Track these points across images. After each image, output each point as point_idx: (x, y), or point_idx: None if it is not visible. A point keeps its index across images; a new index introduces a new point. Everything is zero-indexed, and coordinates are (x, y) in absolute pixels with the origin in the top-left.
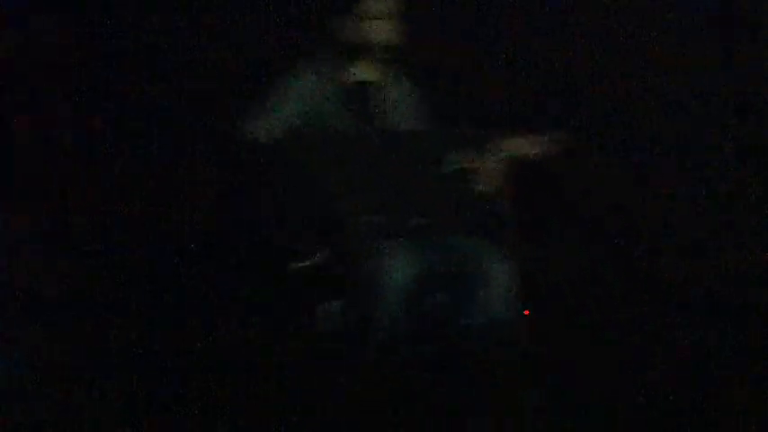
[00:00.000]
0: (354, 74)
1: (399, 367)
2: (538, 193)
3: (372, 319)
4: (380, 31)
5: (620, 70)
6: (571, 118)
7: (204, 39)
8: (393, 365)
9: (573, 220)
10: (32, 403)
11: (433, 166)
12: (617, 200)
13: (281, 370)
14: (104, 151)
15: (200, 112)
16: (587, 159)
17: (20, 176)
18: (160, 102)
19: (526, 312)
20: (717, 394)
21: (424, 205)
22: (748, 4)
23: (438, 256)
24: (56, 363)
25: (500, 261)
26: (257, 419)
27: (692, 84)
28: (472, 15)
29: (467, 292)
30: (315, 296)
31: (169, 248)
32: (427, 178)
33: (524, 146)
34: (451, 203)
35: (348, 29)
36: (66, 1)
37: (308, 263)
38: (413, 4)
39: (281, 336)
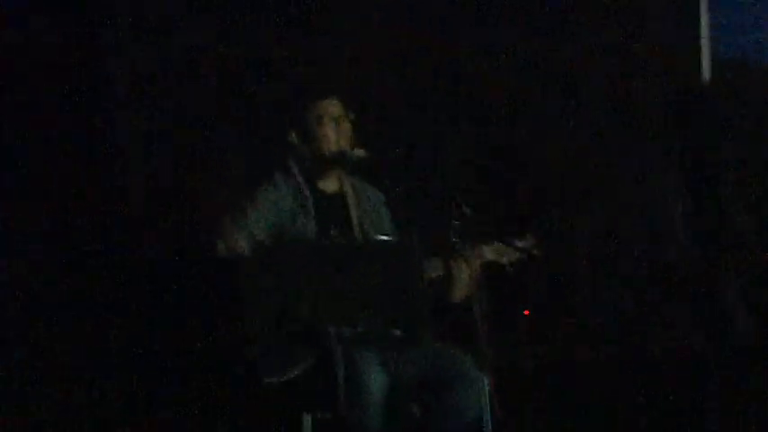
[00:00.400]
0: (324, 185)
1: None
2: (507, 299)
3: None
4: (339, 138)
5: None
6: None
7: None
8: None
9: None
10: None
11: (406, 276)
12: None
13: None
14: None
15: (177, 225)
16: (555, 264)
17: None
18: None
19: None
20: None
21: (400, 314)
22: None
23: (414, 365)
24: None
25: (473, 368)
26: None
27: None
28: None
29: (442, 399)
30: (299, 408)
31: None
32: (402, 288)
33: (496, 253)
34: (426, 312)
35: (310, 139)
36: None
37: (293, 374)
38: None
39: None
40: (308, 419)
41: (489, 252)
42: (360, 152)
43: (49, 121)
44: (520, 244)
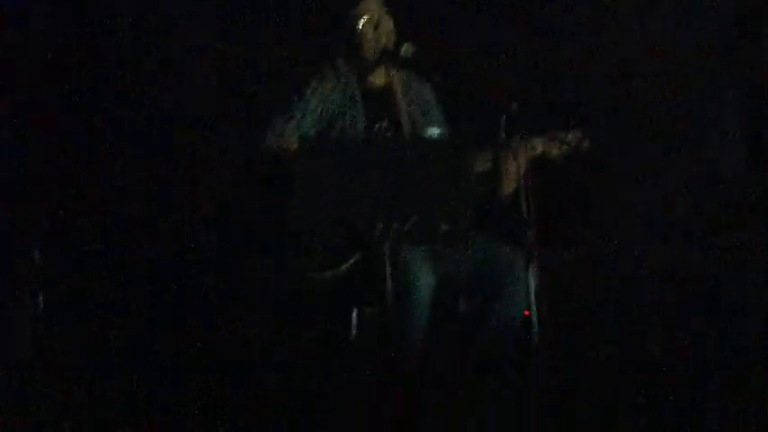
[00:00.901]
0: (372, 79)
1: (427, 370)
2: (557, 194)
3: (403, 325)
4: (382, 35)
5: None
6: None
7: (228, 45)
8: (423, 370)
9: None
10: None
11: (455, 171)
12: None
13: (314, 375)
14: (127, 153)
15: (225, 118)
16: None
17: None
18: (186, 109)
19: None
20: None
21: (448, 210)
22: None
23: (460, 262)
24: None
25: (519, 265)
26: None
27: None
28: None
29: (488, 296)
30: (347, 303)
31: (193, 255)
32: (450, 183)
33: (545, 146)
34: (474, 207)
35: (354, 37)
36: None
37: (336, 272)
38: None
39: (314, 342)
40: (355, 314)
41: (539, 145)
42: (406, 48)
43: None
44: (569, 137)
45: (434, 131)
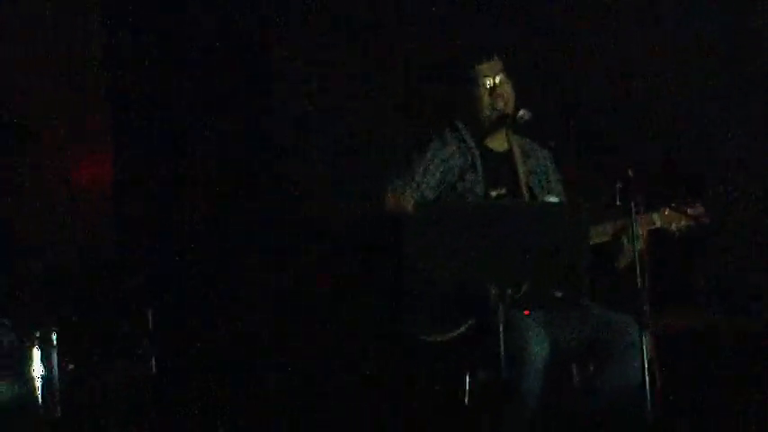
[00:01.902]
0: (492, 143)
1: None
2: (673, 265)
3: (516, 391)
4: (501, 99)
5: None
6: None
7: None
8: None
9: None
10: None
11: (573, 238)
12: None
13: None
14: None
15: (345, 178)
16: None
17: None
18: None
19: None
20: None
21: (563, 276)
22: None
23: (574, 328)
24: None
25: (634, 332)
26: None
27: None
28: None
29: (602, 363)
30: (460, 367)
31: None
32: (566, 250)
33: (664, 220)
34: (589, 275)
35: (474, 100)
36: None
37: (454, 333)
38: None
39: (429, 405)
40: (468, 380)
41: (658, 218)
42: (522, 113)
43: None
44: (690, 211)
45: (552, 199)
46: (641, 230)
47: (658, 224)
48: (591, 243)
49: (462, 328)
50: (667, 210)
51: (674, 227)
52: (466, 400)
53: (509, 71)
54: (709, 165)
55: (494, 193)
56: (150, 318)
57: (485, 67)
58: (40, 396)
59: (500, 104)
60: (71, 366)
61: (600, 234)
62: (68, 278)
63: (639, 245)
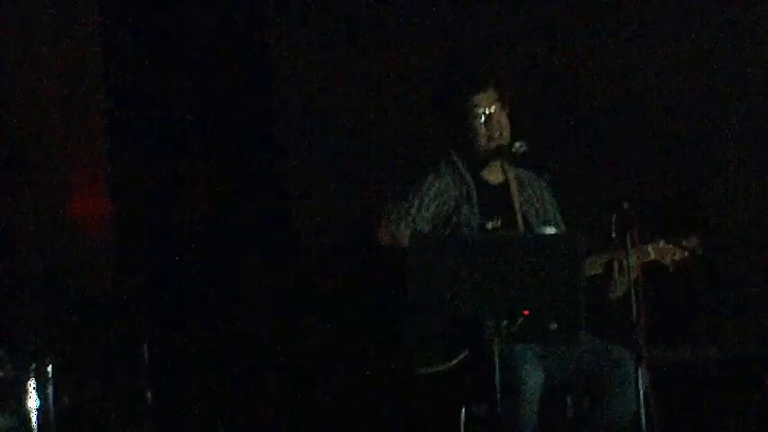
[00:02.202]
0: (487, 175)
1: None
2: (667, 296)
3: (511, 423)
4: (497, 130)
5: None
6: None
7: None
8: None
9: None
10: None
11: (569, 270)
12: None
13: None
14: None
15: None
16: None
17: None
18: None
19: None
20: None
21: (559, 309)
22: None
23: (570, 361)
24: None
25: (629, 366)
26: None
27: None
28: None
29: (597, 396)
30: (455, 400)
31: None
32: (561, 283)
33: (658, 253)
34: (585, 307)
35: (469, 131)
36: None
37: (446, 367)
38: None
39: None
40: (463, 412)
41: (652, 251)
42: (518, 145)
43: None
44: (684, 244)
45: (549, 230)
46: (635, 262)
47: (653, 256)
48: (587, 274)
49: (457, 360)
50: (662, 242)
51: (668, 260)
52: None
53: (504, 102)
54: (707, 193)
55: (489, 225)
56: (146, 352)
57: (479, 97)
58: (35, 429)
59: (495, 135)
60: (66, 400)
61: (593, 266)
62: (66, 312)
63: (633, 277)
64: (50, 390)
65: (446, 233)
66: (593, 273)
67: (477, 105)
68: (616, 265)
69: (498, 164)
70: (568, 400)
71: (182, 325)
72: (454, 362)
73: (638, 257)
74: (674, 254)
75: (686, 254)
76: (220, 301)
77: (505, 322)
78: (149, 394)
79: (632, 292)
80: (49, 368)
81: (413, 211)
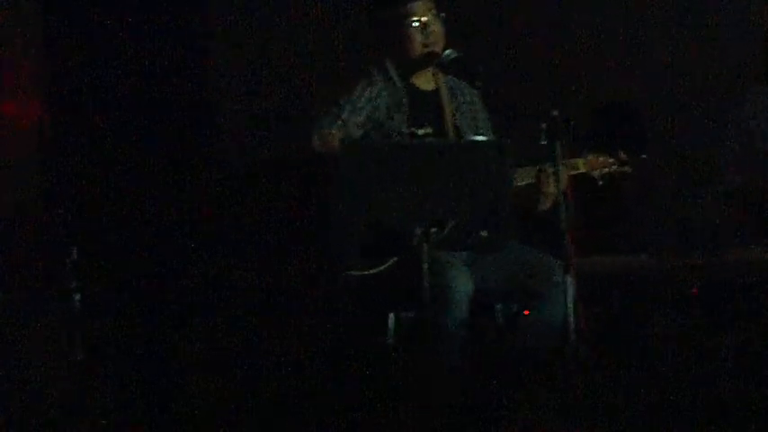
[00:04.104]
0: (419, 83)
1: (461, 378)
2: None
3: (439, 331)
4: (429, 38)
5: None
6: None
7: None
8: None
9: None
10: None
11: (497, 177)
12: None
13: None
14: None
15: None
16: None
17: None
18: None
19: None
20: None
21: (488, 216)
22: None
23: (499, 268)
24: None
25: (558, 273)
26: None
27: None
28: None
29: (526, 304)
30: (384, 306)
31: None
32: (490, 190)
33: (587, 167)
34: (513, 214)
35: (402, 39)
36: None
37: (374, 271)
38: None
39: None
40: (392, 318)
41: (582, 164)
42: (451, 52)
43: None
44: (612, 160)
45: (478, 139)
46: (565, 174)
47: (582, 170)
48: (517, 184)
49: (385, 266)
50: (590, 155)
51: (596, 174)
52: (389, 339)
53: (439, 10)
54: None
55: (420, 132)
56: (75, 254)
57: (415, 5)
58: None
59: (430, 41)
60: None
61: (525, 175)
62: None
63: (563, 186)
64: None
65: (376, 140)
66: (523, 183)
67: (412, 13)
68: (544, 175)
69: (430, 72)
70: (497, 308)
71: (109, 230)
72: (383, 267)
73: (568, 169)
74: (604, 167)
75: (615, 167)
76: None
77: (434, 229)
78: (77, 298)
79: (561, 201)
80: None
81: (344, 115)
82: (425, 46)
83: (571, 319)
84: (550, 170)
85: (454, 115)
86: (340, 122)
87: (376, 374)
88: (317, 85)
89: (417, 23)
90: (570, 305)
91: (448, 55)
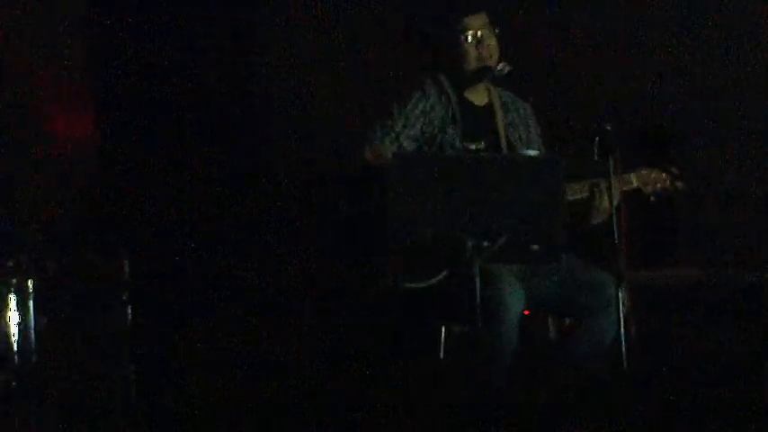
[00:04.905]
0: (473, 97)
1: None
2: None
3: (491, 345)
4: (484, 53)
5: None
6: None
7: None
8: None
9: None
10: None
11: (550, 191)
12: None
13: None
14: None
15: (326, 127)
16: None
17: None
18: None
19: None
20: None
21: (540, 230)
22: None
23: (551, 283)
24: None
25: (611, 289)
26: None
27: None
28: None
29: (577, 318)
30: (434, 318)
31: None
32: (544, 204)
33: (640, 180)
34: (565, 229)
35: (457, 53)
36: None
37: (426, 284)
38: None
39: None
40: (443, 331)
41: (635, 179)
42: (504, 66)
43: None
44: (665, 175)
45: (531, 152)
46: (618, 188)
47: (635, 184)
48: (569, 199)
49: (437, 279)
50: (643, 170)
51: (649, 189)
52: (441, 353)
53: (494, 25)
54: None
55: (473, 146)
56: (127, 269)
57: (470, 19)
58: (15, 344)
59: (485, 56)
60: (45, 320)
61: (578, 190)
62: (49, 226)
63: (616, 202)
64: (31, 306)
65: (429, 153)
66: (576, 197)
67: (467, 27)
68: (597, 190)
69: (483, 86)
70: (550, 322)
71: (163, 242)
72: (434, 280)
73: (621, 184)
74: (656, 183)
75: (668, 183)
76: (201, 226)
77: (486, 243)
78: (129, 311)
79: (614, 216)
80: (30, 284)
81: (397, 128)
82: (480, 60)
83: (623, 334)
84: (604, 185)
85: (507, 130)
86: (393, 135)
87: (424, 387)
88: (368, 96)
89: (472, 38)
90: (623, 320)
91: (501, 69)
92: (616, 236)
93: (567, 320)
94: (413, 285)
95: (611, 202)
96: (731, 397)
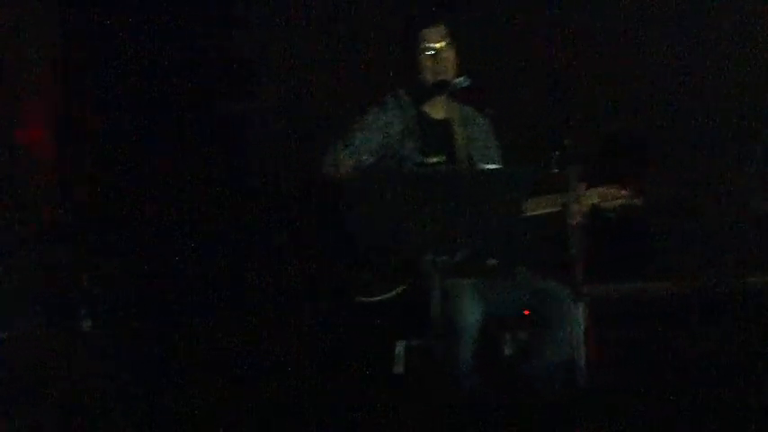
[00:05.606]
0: (432, 111)
1: (468, 407)
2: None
3: (449, 358)
4: (442, 66)
5: None
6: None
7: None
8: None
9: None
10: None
11: (508, 206)
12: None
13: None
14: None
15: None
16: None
17: None
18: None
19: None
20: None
21: (498, 245)
22: None
23: (509, 297)
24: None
25: (568, 304)
26: None
27: None
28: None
29: (535, 334)
30: (391, 333)
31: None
32: (501, 219)
33: (600, 197)
34: (525, 245)
35: (416, 66)
36: None
37: (383, 298)
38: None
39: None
40: (400, 346)
41: (596, 195)
42: (462, 80)
43: None
44: (624, 192)
45: (489, 168)
46: (583, 204)
47: (595, 200)
48: (540, 212)
49: (395, 292)
50: (603, 187)
51: (608, 205)
52: (397, 367)
53: (452, 38)
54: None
55: (433, 160)
56: (85, 281)
57: (428, 32)
58: None
59: (441, 70)
60: (4, 334)
61: (549, 204)
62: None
63: (577, 216)
64: None
65: (387, 167)
66: (548, 210)
67: (426, 40)
68: (557, 210)
69: (441, 100)
70: (506, 336)
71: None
72: (392, 293)
73: (585, 199)
74: (615, 199)
75: (628, 199)
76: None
77: (444, 257)
78: (88, 323)
79: (570, 230)
80: None
81: (356, 142)
82: (435, 74)
83: (582, 349)
84: (560, 200)
85: (465, 144)
86: (352, 148)
87: (384, 402)
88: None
89: (429, 51)
90: (580, 332)
91: (459, 83)
92: (573, 251)
93: (524, 333)
94: (370, 300)
95: (568, 219)
96: (700, 406)
